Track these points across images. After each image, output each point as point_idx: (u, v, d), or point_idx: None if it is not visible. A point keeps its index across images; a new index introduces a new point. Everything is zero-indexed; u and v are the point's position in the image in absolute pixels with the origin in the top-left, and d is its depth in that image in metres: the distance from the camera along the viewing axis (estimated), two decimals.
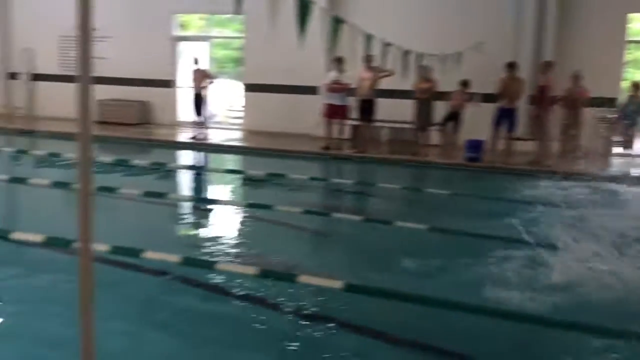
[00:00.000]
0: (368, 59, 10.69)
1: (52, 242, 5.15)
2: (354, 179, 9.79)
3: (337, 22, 4.97)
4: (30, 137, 12.77)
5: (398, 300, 4.47)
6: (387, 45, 8.30)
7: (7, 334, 3.73)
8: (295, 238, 6.18)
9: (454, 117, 11.02)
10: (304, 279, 4.59)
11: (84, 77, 1.64)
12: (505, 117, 10.66)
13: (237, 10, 2.60)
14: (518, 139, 10.94)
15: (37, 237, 5.21)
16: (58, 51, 14.96)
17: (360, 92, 11.36)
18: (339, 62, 11.24)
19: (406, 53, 8.96)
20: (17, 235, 5.35)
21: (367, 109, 11.37)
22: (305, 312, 4.17)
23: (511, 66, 10.63)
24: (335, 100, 11.38)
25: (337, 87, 11.31)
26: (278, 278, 4.67)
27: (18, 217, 7.16)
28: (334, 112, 11.47)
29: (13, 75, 15.52)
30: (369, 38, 6.42)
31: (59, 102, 14.68)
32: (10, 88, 15.54)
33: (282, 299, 4.34)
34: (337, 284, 4.52)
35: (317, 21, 3.41)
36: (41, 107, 15.26)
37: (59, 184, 7.68)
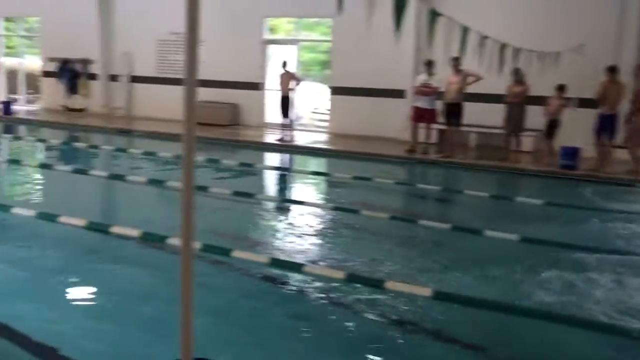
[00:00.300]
0: (456, 62, 10.46)
1: (148, 237, 5.39)
2: (441, 185, 9.59)
3: (434, 15, 4.87)
4: (128, 136, 13.44)
5: (487, 309, 4.33)
6: (484, 38, 8.03)
7: (109, 319, 3.92)
8: (381, 243, 6.11)
9: (554, 125, 10.52)
10: (390, 285, 4.53)
11: (190, 80, 1.69)
12: (606, 123, 10.09)
13: (339, 12, 2.59)
14: (618, 146, 10.33)
15: (134, 232, 5.46)
16: (155, 55, 15.72)
17: (448, 96, 11.13)
18: (429, 65, 11.09)
19: (503, 47, 8.63)
20: (116, 230, 5.62)
21: (454, 112, 11.12)
22: (391, 318, 4.11)
23: (612, 70, 10.05)
24: (424, 104, 11.22)
25: (427, 90, 11.15)
26: (364, 283, 4.64)
27: (116, 212, 7.53)
28: (422, 116, 11.31)
29: (113, 78, 16.42)
30: (465, 31, 6.22)
31: (154, 103, 15.45)
32: (111, 89, 16.45)
33: (368, 304, 4.30)
34: (424, 291, 4.43)
35: (410, 21, 3.34)
36: (138, 108, 16.08)
37: (154, 182, 8.03)
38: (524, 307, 4.32)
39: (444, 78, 11.09)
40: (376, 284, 4.56)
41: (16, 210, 6.12)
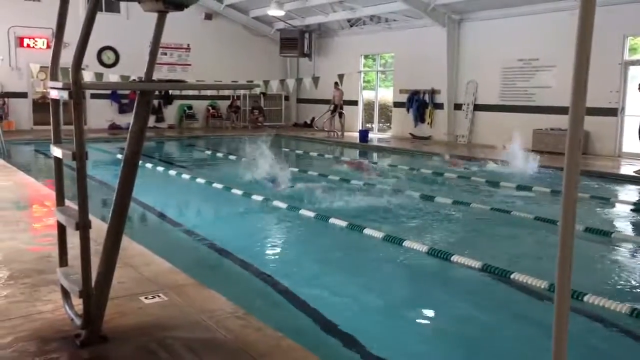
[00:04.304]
0: None
1: (488, 269, 5.24)
2: None
3: None
4: (468, 163, 13.55)
5: None
6: None
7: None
8: None
9: None
10: None
11: (576, 110, 1.49)
12: None
13: None
14: None
15: (477, 264, 5.37)
16: (499, 82, 15.61)
17: None
18: None
19: None
20: (457, 259, 5.60)
21: None
22: None
23: None
24: None
25: None
26: None
27: (458, 241, 7.53)
28: None
29: (457, 106, 16.85)
30: None
31: (495, 130, 15.33)
32: (454, 118, 16.91)
33: None
34: None
35: None
36: (479, 135, 16.19)
37: (498, 210, 7.83)
38: None
39: None
40: None
41: (367, 232, 6.63)
